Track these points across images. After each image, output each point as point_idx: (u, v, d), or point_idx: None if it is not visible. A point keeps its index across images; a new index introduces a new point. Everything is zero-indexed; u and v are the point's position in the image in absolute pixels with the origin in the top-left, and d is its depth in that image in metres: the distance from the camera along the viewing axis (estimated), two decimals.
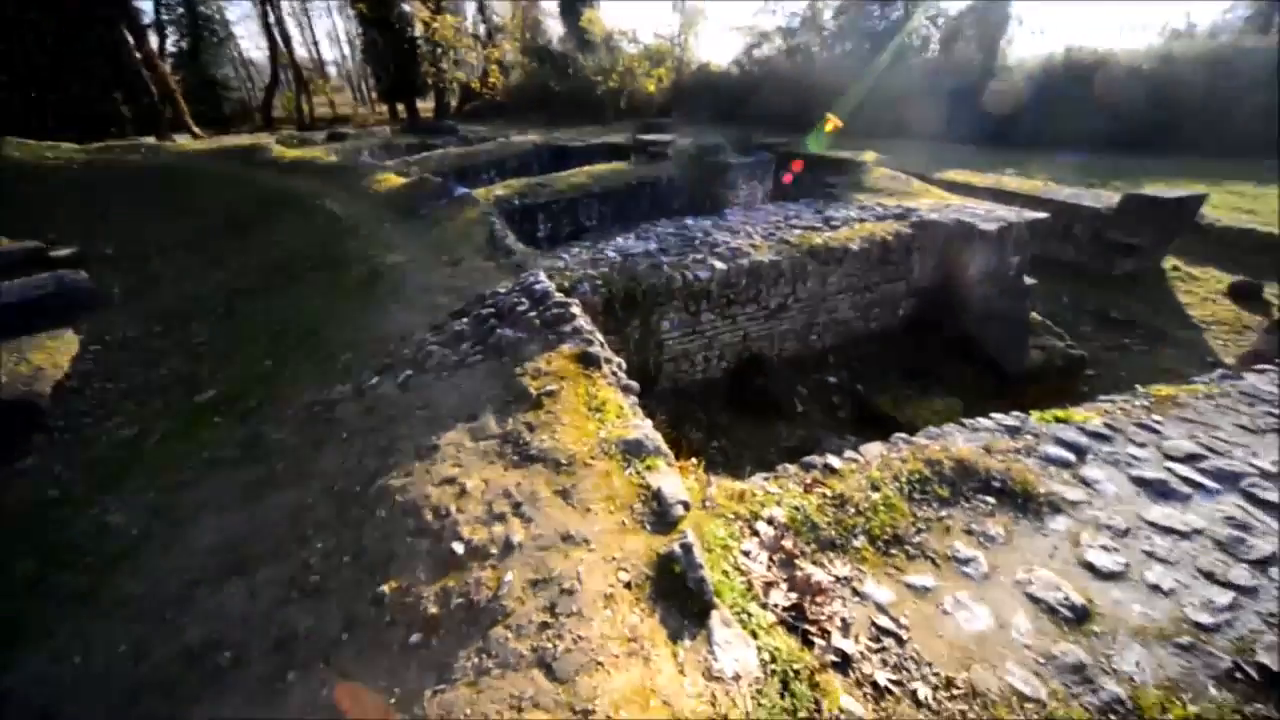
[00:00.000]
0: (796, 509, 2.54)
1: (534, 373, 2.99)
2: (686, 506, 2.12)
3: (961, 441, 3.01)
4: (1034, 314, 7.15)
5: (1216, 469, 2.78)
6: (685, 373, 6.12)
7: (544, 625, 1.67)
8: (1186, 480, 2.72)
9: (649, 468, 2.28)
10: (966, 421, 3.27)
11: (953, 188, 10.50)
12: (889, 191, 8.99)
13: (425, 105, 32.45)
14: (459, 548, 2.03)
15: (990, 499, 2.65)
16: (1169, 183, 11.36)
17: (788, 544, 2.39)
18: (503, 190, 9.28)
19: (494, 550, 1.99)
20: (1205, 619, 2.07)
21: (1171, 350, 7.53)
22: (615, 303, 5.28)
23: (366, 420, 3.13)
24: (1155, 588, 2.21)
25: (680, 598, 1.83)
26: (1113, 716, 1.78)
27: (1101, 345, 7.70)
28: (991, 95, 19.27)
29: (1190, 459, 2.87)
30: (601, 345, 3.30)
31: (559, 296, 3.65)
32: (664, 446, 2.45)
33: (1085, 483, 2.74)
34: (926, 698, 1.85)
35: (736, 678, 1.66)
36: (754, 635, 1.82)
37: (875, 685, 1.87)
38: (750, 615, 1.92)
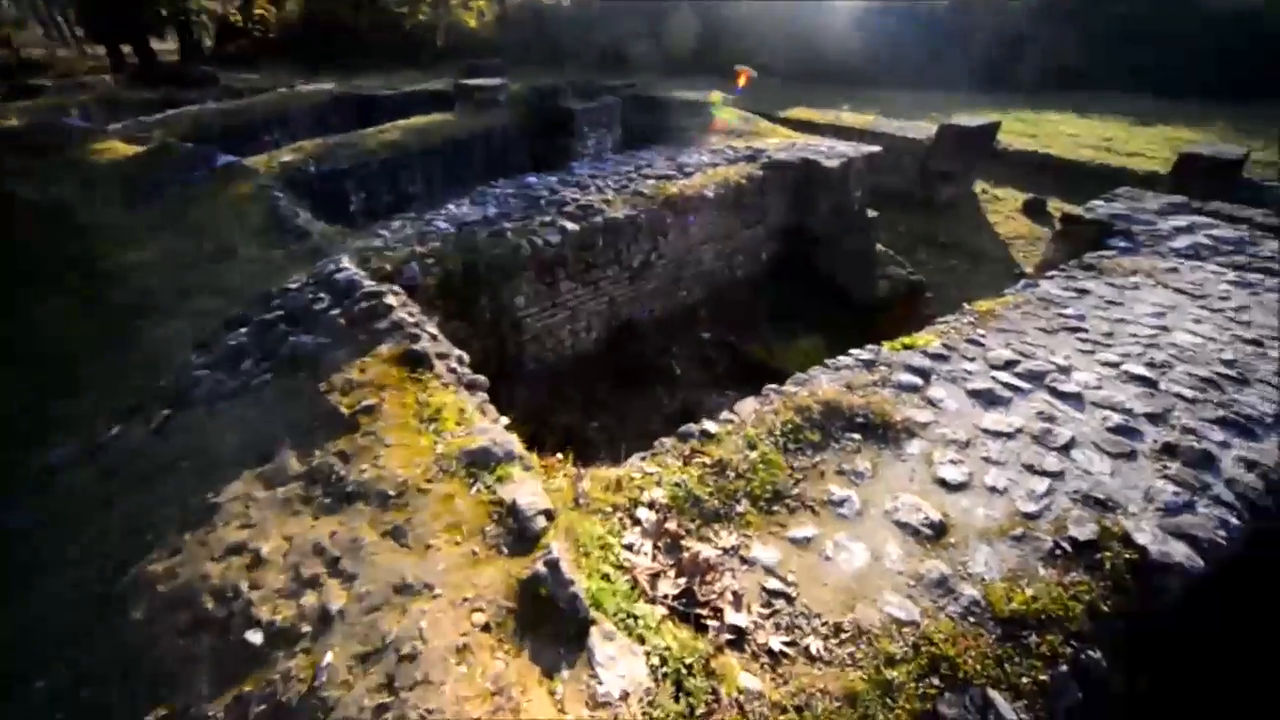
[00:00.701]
0: (677, 485, 2.55)
1: (344, 386, 2.56)
2: (549, 516, 1.97)
3: (826, 383, 3.27)
4: (878, 245, 8.10)
5: (1028, 371, 3.37)
6: (552, 351, 5.90)
7: (380, 709, 1.43)
8: (1007, 385, 3.26)
9: (500, 479, 2.09)
10: (829, 361, 3.56)
11: (797, 126, 11.36)
12: (738, 133, 9.41)
13: (167, 46, 26.48)
14: (256, 637, 1.67)
15: (856, 435, 2.91)
16: (972, 113, 13.49)
17: (671, 526, 2.39)
18: (291, 155, 7.95)
19: (306, 628, 1.67)
20: (1030, 508, 2.50)
21: (989, 266, 9.13)
22: (454, 282, 4.83)
23: (105, 488, 2.46)
24: (993, 489, 2.61)
25: (552, 623, 1.70)
26: (971, 619, 2.07)
27: (935, 268, 9.05)
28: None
29: (1008, 365, 3.44)
30: (433, 338, 2.96)
31: (369, 285, 3.18)
32: (518, 449, 2.26)
33: (931, 403, 3.14)
34: (818, 650, 1.98)
35: (625, 696, 1.60)
36: (641, 640, 1.78)
37: (771, 652, 1.95)
38: (636, 618, 1.87)
